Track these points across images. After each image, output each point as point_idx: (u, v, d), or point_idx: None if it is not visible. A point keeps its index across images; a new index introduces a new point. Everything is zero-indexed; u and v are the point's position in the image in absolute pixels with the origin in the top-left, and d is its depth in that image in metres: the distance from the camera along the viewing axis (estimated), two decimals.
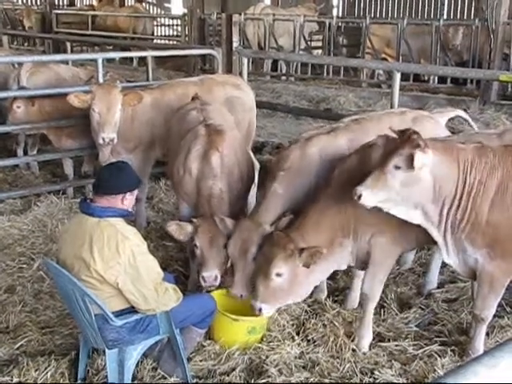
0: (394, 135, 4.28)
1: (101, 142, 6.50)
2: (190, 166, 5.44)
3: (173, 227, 5.12)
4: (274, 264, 4.42)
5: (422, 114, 5.72)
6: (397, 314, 5.21)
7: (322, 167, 5.02)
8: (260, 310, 4.53)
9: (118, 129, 6.60)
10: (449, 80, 13.74)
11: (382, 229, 4.53)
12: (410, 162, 4.01)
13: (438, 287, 5.69)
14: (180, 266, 6.05)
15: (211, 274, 4.99)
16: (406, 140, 4.09)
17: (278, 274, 4.44)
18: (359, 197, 4.08)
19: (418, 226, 4.34)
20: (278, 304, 4.65)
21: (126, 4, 24.25)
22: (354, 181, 4.22)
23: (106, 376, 4.13)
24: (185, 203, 5.66)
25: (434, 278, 5.69)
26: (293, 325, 4.98)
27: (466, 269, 4.45)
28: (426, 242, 4.69)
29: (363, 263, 4.74)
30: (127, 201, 4.09)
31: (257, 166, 7.36)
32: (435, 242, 4.45)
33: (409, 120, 5.41)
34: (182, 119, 6.19)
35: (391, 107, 7.49)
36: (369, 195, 4.08)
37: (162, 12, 26.81)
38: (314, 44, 17.74)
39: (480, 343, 4.60)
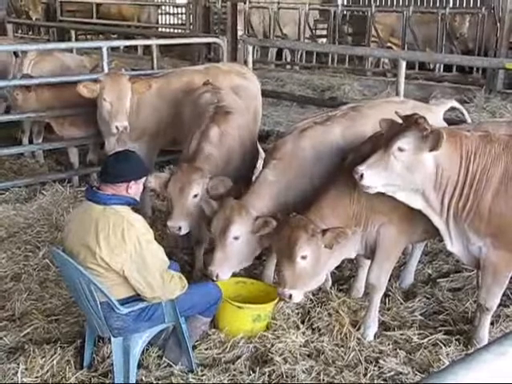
0: (400, 120, 4.26)
1: (114, 130, 6.50)
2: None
3: (151, 179, 5.10)
4: (298, 246, 4.29)
5: (421, 105, 5.69)
6: (401, 303, 5.21)
7: (315, 159, 4.97)
8: (290, 296, 4.40)
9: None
10: (454, 69, 13.69)
11: (392, 219, 4.51)
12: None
13: (444, 276, 5.69)
14: (185, 254, 6.06)
15: (175, 225, 5.02)
16: (412, 124, 4.07)
17: (303, 257, 4.32)
18: (361, 176, 4.06)
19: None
20: (305, 288, 4.52)
21: None
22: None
23: (112, 364, 4.14)
24: None
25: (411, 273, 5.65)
26: (298, 313, 4.98)
27: (470, 258, 4.43)
28: (436, 234, 4.65)
29: (372, 252, 4.72)
30: (132, 190, 4.07)
31: (262, 154, 7.35)
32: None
33: (409, 109, 5.38)
34: (195, 102, 6.24)
35: (397, 96, 7.46)
36: (370, 175, 4.04)
37: (167, 0, 26.70)
38: (318, 32, 17.67)
39: (485, 333, 4.60)
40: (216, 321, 4.75)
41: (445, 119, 5.75)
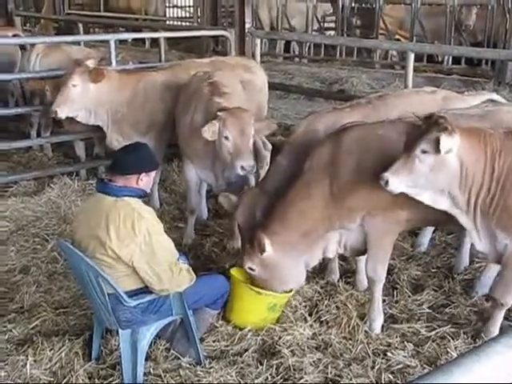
0: (419, 121, 4.19)
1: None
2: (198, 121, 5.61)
3: (205, 129, 5.21)
4: (244, 261, 4.69)
5: (454, 95, 5.58)
6: (409, 296, 5.19)
7: None
8: None
9: (129, 111, 6.72)
10: (463, 61, 13.61)
11: (372, 210, 4.48)
12: (437, 146, 3.92)
13: (452, 269, 5.66)
14: (193, 247, 6.07)
15: (249, 163, 5.16)
16: (432, 124, 4.02)
17: (251, 269, 4.66)
18: (386, 182, 4.03)
19: (414, 206, 4.29)
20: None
21: None
22: (327, 169, 4.20)
23: (120, 356, 4.15)
24: (191, 165, 5.96)
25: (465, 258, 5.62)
26: (305, 306, 4.98)
27: (496, 255, 4.36)
28: (423, 222, 4.61)
29: (356, 251, 4.75)
30: (143, 182, 4.07)
31: (269, 147, 7.34)
32: (439, 224, 4.41)
33: (439, 99, 5.28)
34: (189, 82, 6.46)
35: (405, 88, 7.42)
36: (396, 181, 4.02)
37: None
38: (326, 25, 17.60)
39: (496, 327, 4.55)
40: (230, 304, 4.72)
41: None
